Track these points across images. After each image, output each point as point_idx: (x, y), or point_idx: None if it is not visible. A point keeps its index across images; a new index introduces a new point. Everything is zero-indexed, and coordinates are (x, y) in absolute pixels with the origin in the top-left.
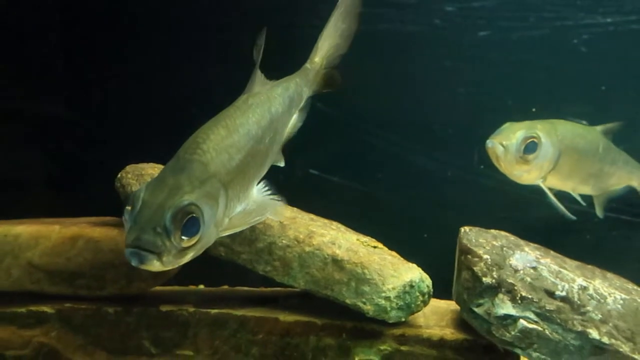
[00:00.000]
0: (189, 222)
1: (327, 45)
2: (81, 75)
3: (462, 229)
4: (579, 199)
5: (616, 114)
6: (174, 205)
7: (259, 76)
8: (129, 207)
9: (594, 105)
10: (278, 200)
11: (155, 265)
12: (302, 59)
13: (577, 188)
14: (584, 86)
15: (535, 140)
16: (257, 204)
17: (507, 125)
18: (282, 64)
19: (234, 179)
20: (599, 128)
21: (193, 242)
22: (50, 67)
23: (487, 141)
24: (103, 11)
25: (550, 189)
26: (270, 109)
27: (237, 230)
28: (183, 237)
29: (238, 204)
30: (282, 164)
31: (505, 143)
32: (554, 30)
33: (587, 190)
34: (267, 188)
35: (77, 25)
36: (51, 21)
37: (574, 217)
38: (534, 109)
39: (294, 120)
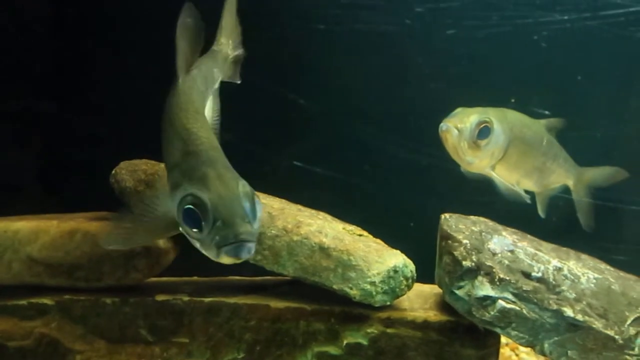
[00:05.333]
0: (258, 206)
1: (229, 26)
2: (73, 73)
3: (443, 216)
4: (523, 194)
5: (574, 106)
6: (246, 195)
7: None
8: (191, 209)
9: (554, 97)
10: None
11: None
12: None
13: (521, 181)
14: (545, 79)
15: (488, 125)
16: None
17: (459, 109)
18: None
19: None
20: (542, 122)
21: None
22: (41, 65)
23: (441, 124)
24: (95, 7)
25: None
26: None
27: None
28: (256, 222)
29: None
30: None
31: (460, 126)
32: (515, 28)
33: (530, 185)
34: None
35: (68, 21)
36: (40, 16)
37: (529, 200)
38: (513, 100)
39: (212, 104)
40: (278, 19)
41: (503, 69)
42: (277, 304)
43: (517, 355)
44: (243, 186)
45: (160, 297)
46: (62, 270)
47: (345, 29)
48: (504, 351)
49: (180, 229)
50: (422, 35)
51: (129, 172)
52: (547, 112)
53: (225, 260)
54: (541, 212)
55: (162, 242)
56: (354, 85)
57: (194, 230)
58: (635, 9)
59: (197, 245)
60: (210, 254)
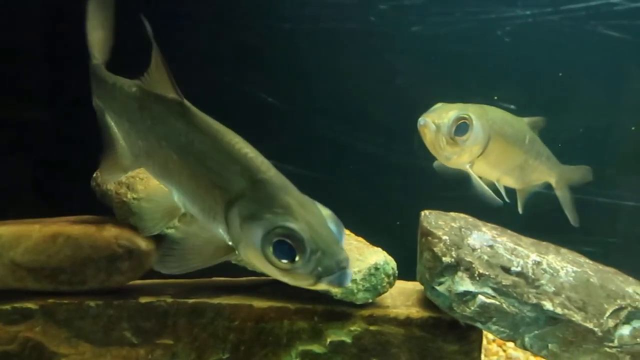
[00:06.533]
0: (341, 227)
1: (97, 39)
2: (54, 76)
3: (423, 213)
4: (503, 192)
5: (538, 100)
6: (330, 218)
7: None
8: (283, 242)
9: (519, 92)
10: None
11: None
12: None
13: (502, 178)
14: (510, 74)
15: (467, 121)
16: None
17: (439, 105)
18: None
19: None
20: (526, 119)
21: None
22: (22, 69)
23: (420, 119)
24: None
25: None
26: None
27: None
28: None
29: None
30: None
31: (437, 122)
32: (478, 23)
33: (511, 182)
34: None
35: (49, 25)
36: (20, 21)
37: (501, 202)
38: (495, 97)
39: None
40: (244, 18)
41: (468, 65)
42: (260, 303)
43: (504, 351)
44: (323, 209)
45: (144, 299)
46: (46, 274)
47: (310, 27)
48: (491, 347)
49: (256, 261)
50: (386, 32)
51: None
52: (512, 107)
53: (322, 287)
54: (520, 209)
55: (144, 244)
56: (324, 83)
57: (284, 261)
58: (595, 3)
59: (280, 274)
60: (302, 283)
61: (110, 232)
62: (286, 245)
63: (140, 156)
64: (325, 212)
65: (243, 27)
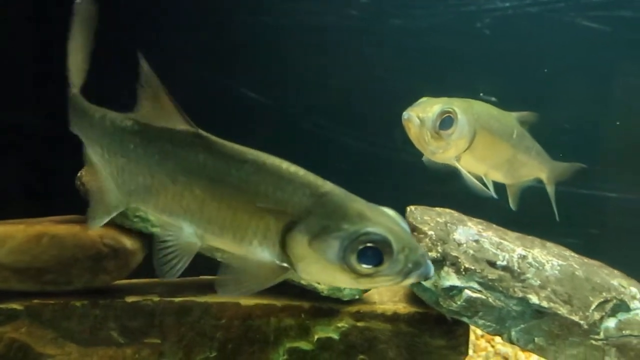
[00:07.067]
0: (405, 222)
1: (76, 64)
2: (38, 77)
3: (408, 208)
4: (491, 187)
5: (519, 92)
6: (398, 216)
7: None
8: (369, 248)
9: (499, 83)
10: None
11: None
12: None
13: (490, 173)
14: (490, 66)
15: (451, 115)
16: None
17: (424, 99)
18: None
19: None
20: (514, 114)
21: None
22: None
23: (404, 113)
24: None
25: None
26: None
27: None
28: None
29: None
30: None
31: (422, 116)
32: (459, 16)
33: (499, 177)
34: None
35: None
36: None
37: (491, 193)
38: (481, 94)
39: None
40: (223, 12)
41: (448, 58)
42: (247, 301)
43: (493, 346)
44: (387, 209)
45: (130, 299)
46: (30, 274)
47: (290, 21)
48: (480, 343)
49: (325, 274)
50: (367, 25)
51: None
52: (493, 99)
53: (408, 282)
54: (512, 204)
55: (129, 243)
56: (305, 77)
57: (367, 267)
58: None
59: (358, 282)
60: (386, 283)
61: (96, 232)
62: (371, 251)
63: (138, 193)
64: (390, 211)
65: (222, 22)
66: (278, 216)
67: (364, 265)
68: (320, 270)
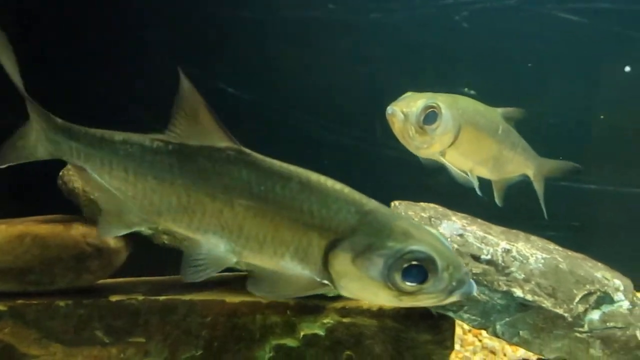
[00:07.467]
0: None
1: (17, 76)
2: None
3: (393, 204)
4: (476, 184)
5: (498, 85)
6: (440, 235)
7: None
8: (414, 266)
9: (477, 76)
10: None
11: None
12: None
13: (475, 169)
14: (469, 59)
15: (435, 110)
16: None
17: (408, 94)
18: None
19: None
20: (499, 110)
21: None
22: None
23: (388, 108)
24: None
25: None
26: None
27: None
28: None
29: None
30: None
31: (406, 110)
32: (437, 9)
33: (485, 173)
34: None
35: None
36: None
37: (479, 192)
38: (466, 88)
39: None
40: (202, 6)
41: (427, 51)
42: (232, 299)
43: (480, 341)
44: (431, 229)
45: (114, 298)
46: (13, 274)
47: (270, 15)
48: (467, 337)
49: (367, 291)
50: (346, 19)
51: (77, 172)
52: (472, 92)
53: (451, 300)
54: (498, 201)
55: (113, 242)
56: (284, 72)
57: (411, 284)
58: None
59: (400, 299)
60: (428, 302)
61: (78, 231)
62: (415, 269)
63: (169, 213)
64: (433, 230)
65: (201, 16)
66: (322, 233)
67: (408, 283)
68: (362, 288)
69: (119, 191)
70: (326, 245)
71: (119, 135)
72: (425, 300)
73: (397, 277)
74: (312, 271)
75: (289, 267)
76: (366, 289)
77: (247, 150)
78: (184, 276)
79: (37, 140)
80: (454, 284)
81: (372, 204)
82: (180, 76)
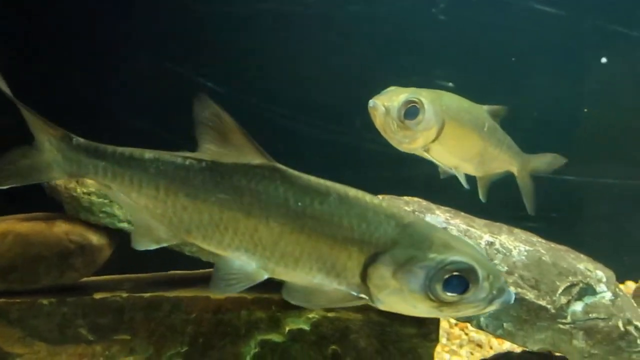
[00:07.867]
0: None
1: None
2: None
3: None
4: (463, 180)
5: (475, 78)
6: (476, 244)
7: None
8: (455, 277)
9: (455, 68)
10: None
11: None
12: None
13: (460, 165)
14: (447, 51)
15: (417, 105)
16: None
17: (391, 88)
18: None
19: None
20: (485, 107)
21: None
22: None
23: (370, 101)
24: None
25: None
26: None
27: None
28: None
29: None
30: None
31: (387, 104)
32: (416, 2)
33: (470, 169)
34: None
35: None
36: None
37: (466, 186)
38: (450, 83)
39: None
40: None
41: (406, 44)
42: (217, 295)
43: (466, 334)
44: (467, 239)
45: (98, 295)
46: None
47: (247, 9)
48: (454, 331)
49: (407, 303)
50: (324, 13)
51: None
52: (450, 84)
53: (490, 309)
54: (482, 197)
55: (96, 239)
56: (263, 66)
57: (452, 295)
58: None
59: (440, 310)
60: (468, 312)
61: (61, 228)
62: (456, 279)
63: (199, 230)
64: (469, 240)
65: (178, 10)
66: (363, 247)
67: (449, 294)
68: (402, 300)
69: (147, 209)
70: (366, 259)
71: (149, 153)
72: (466, 310)
73: (439, 288)
74: (348, 285)
75: (324, 282)
76: (406, 301)
77: (283, 167)
78: (214, 289)
79: (52, 160)
80: (494, 292)
81: (410, 216)
82: (207, 100)
